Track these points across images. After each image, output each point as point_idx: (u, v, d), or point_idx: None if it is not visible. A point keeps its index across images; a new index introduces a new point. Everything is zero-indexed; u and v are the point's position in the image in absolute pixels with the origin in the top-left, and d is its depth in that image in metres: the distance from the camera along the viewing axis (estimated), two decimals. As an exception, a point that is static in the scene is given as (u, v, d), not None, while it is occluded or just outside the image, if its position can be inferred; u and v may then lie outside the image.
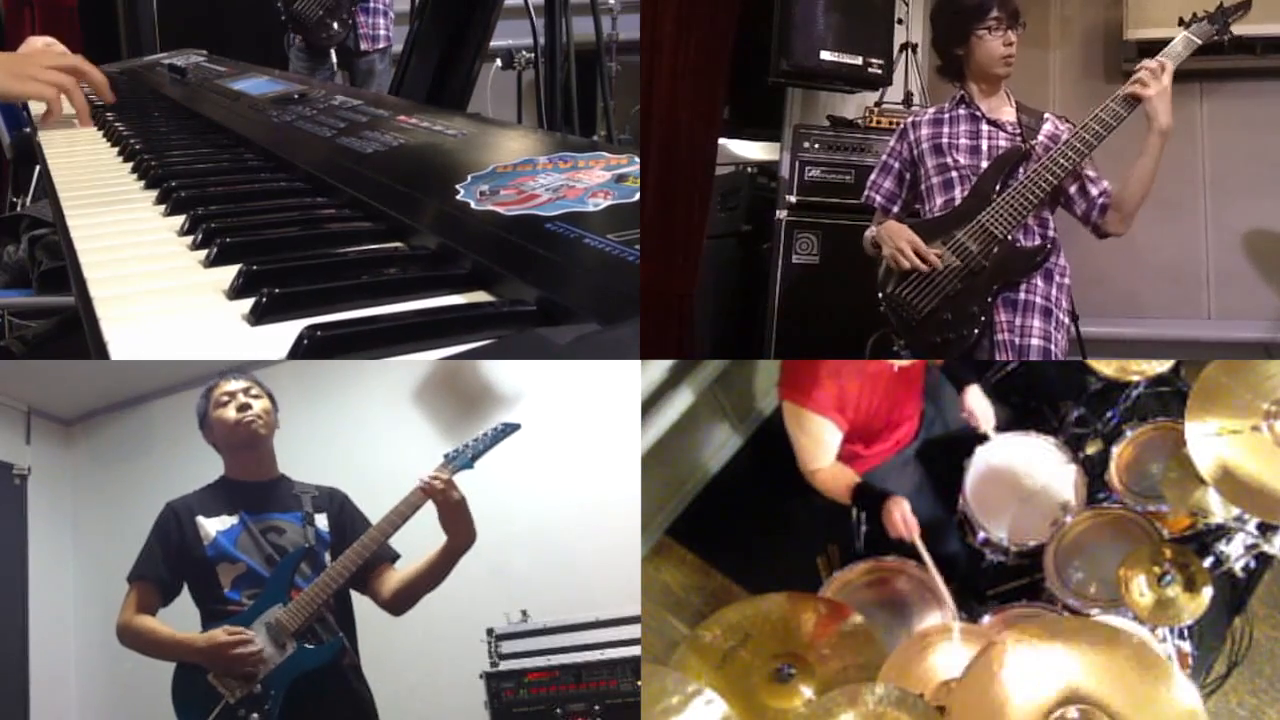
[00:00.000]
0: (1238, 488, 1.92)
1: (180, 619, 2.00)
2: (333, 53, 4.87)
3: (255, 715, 1.85)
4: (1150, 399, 2.38)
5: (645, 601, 2.25)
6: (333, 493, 2.11)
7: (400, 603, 2.00)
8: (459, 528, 1.94)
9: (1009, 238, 2.13)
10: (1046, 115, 2.26)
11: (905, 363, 2.16)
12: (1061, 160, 2.11)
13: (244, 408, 2.05)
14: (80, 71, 2.29)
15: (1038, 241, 2.17)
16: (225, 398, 2.06)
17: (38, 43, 2.55)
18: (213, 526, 2.00)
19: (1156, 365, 2.38)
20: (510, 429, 2.04)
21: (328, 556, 2.00)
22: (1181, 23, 2.11)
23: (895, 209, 2.34)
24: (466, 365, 2.56)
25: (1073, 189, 2.19)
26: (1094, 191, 2.17)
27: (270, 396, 2.11)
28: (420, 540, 1.98)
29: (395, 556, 2.02)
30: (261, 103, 2.35)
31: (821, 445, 2.12)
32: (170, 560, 1.99)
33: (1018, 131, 2.22)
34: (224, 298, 1.16)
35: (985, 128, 2.24)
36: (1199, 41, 2.08)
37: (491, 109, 4.38)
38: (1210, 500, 1.97)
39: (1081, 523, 2.10)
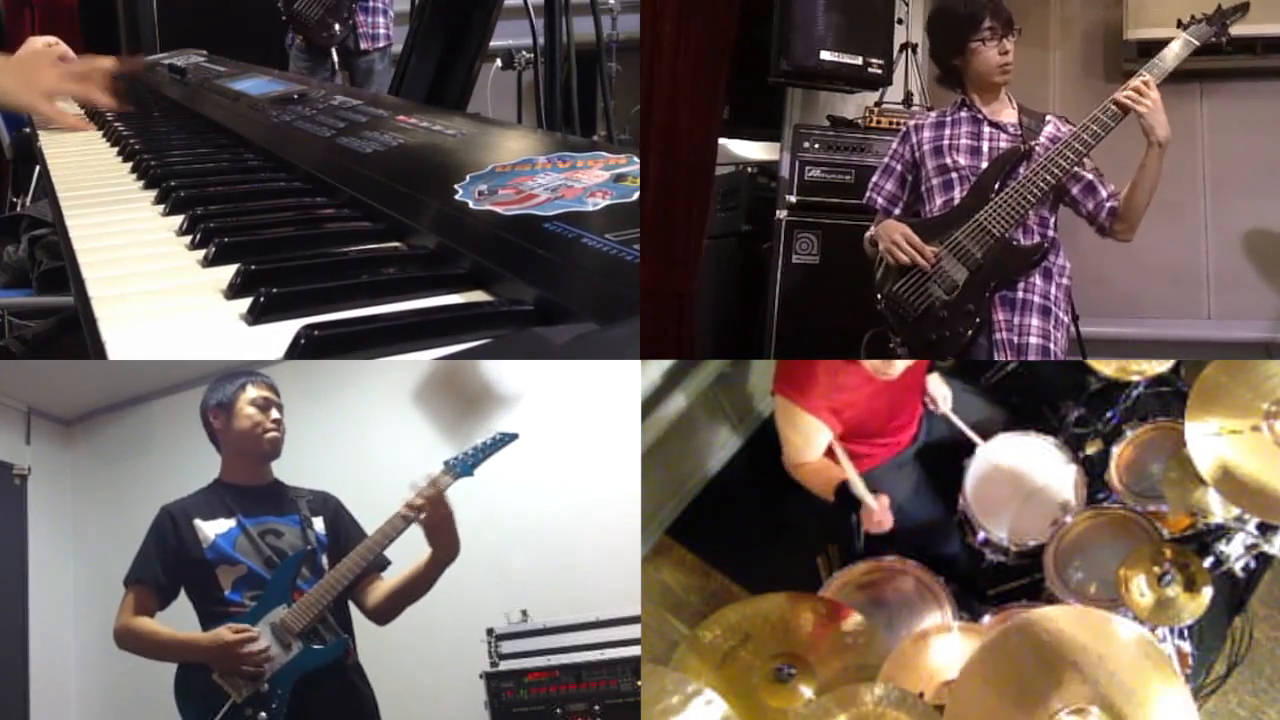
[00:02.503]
0: (1238, 488, 1.92)
1: (179, 622, 2.00)
2: (334, 52, 4.87)
3: (263, 714, 1.86)
4: (1150, 399, 2.38)
5: (645, 601, 2.25)
6: (326, 497, 2.10)
7: (386, 613, 2.01)
8: (444, 540, 1.93)
9: (1006, 236, 2.13)
10: (1048, 117, 2.26)
11: (904, 364, 2.15)
12: (1060, 160, 2.10)
13: (274, 421, 2.05)
14: (91, 78, 2.33)
15: (1035, 240, 2.17)
16: (259, 404, 2.04)
17: (38, 43, 2.54)
18: (211, 529, 1.99)
19: (1156, 365, 2.37)
20: (509, 438, 2.04)
21: (325, 560, 2.00)
22: (1180, 24, 2.11)
23: (896, 211, 2.34)
24: (465, 365, 2.55)
25: (1076, 190, 2.18)
26: (1103, 193, 2.18)
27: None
28: (409, 546, 1.98)
29: (385, 564, 2.03)
30: (261, 103, 2.35)
31: (810, 442, 2.09)
32: (167, 564, 1.99)
33: (1019, 133, 2.22)
34: (222, 297, 1.16)
35: (987, 130, 2.24)
36: (1196, 43, 2.08)
37: (491, 109, 4.37)
38: (1210, 500, 1.97)
39: (1081, 523, 2.10)
